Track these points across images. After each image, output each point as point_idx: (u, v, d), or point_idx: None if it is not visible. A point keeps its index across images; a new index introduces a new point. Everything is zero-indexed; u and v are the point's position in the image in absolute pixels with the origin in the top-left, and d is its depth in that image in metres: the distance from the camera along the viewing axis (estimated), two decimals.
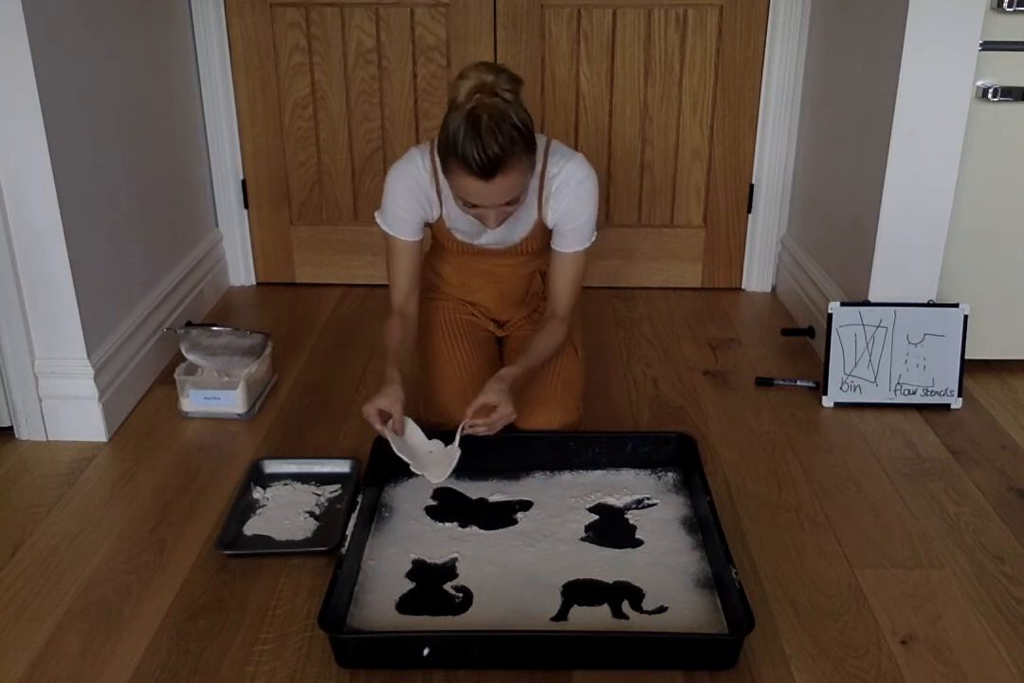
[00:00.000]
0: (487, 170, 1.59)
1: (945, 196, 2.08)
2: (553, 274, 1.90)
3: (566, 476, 1.84)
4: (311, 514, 1.73)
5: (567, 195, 1.81)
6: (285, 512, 1.73)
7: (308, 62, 2.65)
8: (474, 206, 1.69)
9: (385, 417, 1.73)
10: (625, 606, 1.48)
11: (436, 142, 1.70)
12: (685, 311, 2.71)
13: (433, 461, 1.74)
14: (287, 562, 1.61)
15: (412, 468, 1.71)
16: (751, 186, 2.78)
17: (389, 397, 1.72)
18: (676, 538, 1.65)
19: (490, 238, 1.91)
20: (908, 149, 2.05)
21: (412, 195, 1.83)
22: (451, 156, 1.62)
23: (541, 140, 1.80)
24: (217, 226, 2.83)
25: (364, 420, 2.05)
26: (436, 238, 1.99)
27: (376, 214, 1.90)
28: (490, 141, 1.57)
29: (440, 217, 1.88)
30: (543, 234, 1.91)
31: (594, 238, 1.88)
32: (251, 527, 1.69)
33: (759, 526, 1.71)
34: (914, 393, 2.13)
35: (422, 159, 1.81)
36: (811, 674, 1.37)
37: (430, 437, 1.79)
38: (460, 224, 1.89)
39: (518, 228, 1.88)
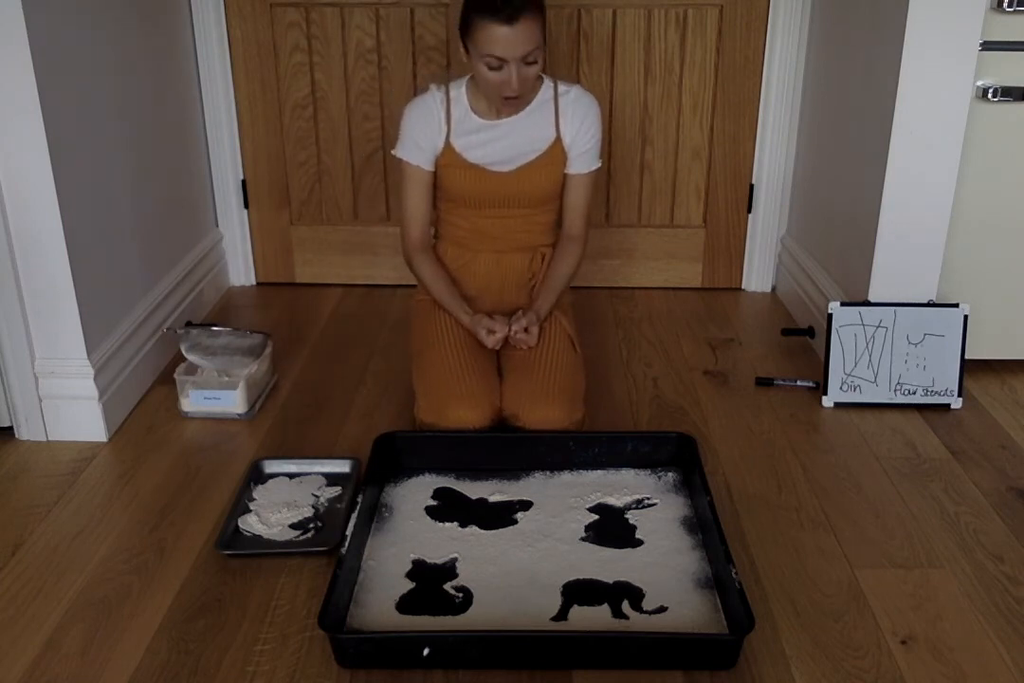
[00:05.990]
0: (510, 14, 1.79)
1: (945, 196, 2.08)
2: (567, 196, 2.09)
3: (566, 476, 1.84)
4: (313, 509, 1.73)
5: (582, 109, 2.02)
6: (282, 510, 1.73)
7: (308, 62, 2.65)
8: (498, 64, 1.83)
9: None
10: (625, 606, 1.48)
11: (460, 13, 1.87)
12: (685, 311, 2.71)
13: None
14: (287, 562, 1.61)
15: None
16: (751, 186, 2.78)
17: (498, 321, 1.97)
18: (676, 538, 1.65)
19: (501, 154, 2.01)
20: (908, 149, 2.05)
21: (426, 120, 2.01)
22: (474, 11, 1.83)
23: (549, 78, 2.05)
24: (217, 226, 2.83)
25: (364, 420, 2.07)
26: (442, 188, 2.07)
27: (393, 150, 2.05)
28: None
29: (448, 144, 2.01)
30: (551, 164, 2.04)
31: (599, 166, 2.09)
32: (250, 527, 1.69)
33: (759, 526, 1.71)
34: (914, 393, 2.13)
35: (438, 89, 2.02)
36: (811, 674, 1.37)
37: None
38: (466, 137, 2.01)
39: (533, 139, 2.02)
